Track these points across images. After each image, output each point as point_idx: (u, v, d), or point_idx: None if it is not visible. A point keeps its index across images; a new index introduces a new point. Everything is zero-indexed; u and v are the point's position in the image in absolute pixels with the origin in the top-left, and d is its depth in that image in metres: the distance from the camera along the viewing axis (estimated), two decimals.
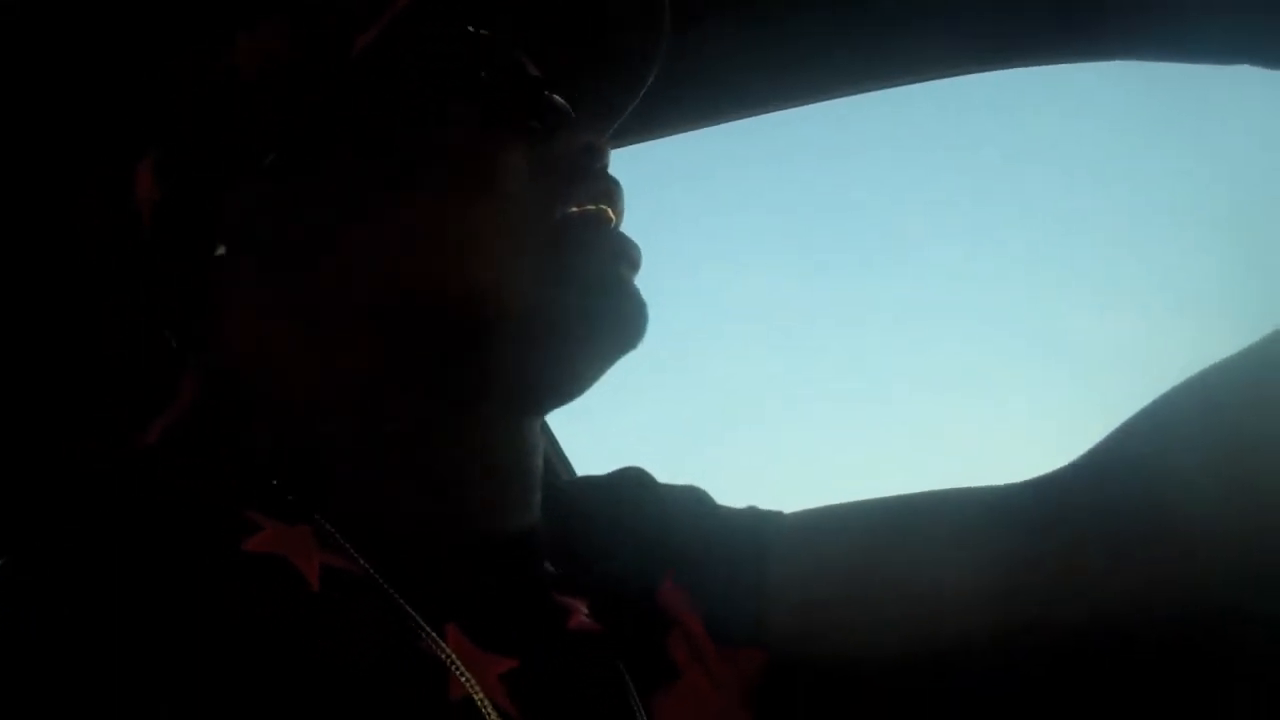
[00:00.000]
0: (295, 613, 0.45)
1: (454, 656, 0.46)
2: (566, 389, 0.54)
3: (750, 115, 0.93)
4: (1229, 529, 0.55)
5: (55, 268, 0.55)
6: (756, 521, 0.64)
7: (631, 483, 0.65)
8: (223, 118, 0.51)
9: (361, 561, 0.48)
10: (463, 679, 0.46)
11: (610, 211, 0.54)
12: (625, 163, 0.59)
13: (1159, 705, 0.68)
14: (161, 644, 0.40)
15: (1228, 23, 0.75)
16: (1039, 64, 0.85)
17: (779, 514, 0.65)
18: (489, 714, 0.46)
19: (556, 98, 0.54)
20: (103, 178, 0.52)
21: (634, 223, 0.56)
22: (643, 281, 0.54)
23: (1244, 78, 0.76)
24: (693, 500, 0.65)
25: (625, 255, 0.54)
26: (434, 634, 0.47)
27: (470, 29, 0.52)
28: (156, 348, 0.52)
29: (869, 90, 0.89)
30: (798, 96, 0.91)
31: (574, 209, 0.52)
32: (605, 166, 0.54)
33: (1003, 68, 0.86)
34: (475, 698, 0.46)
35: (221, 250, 0.51)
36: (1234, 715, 0.64)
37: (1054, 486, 0.61)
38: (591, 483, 0.66)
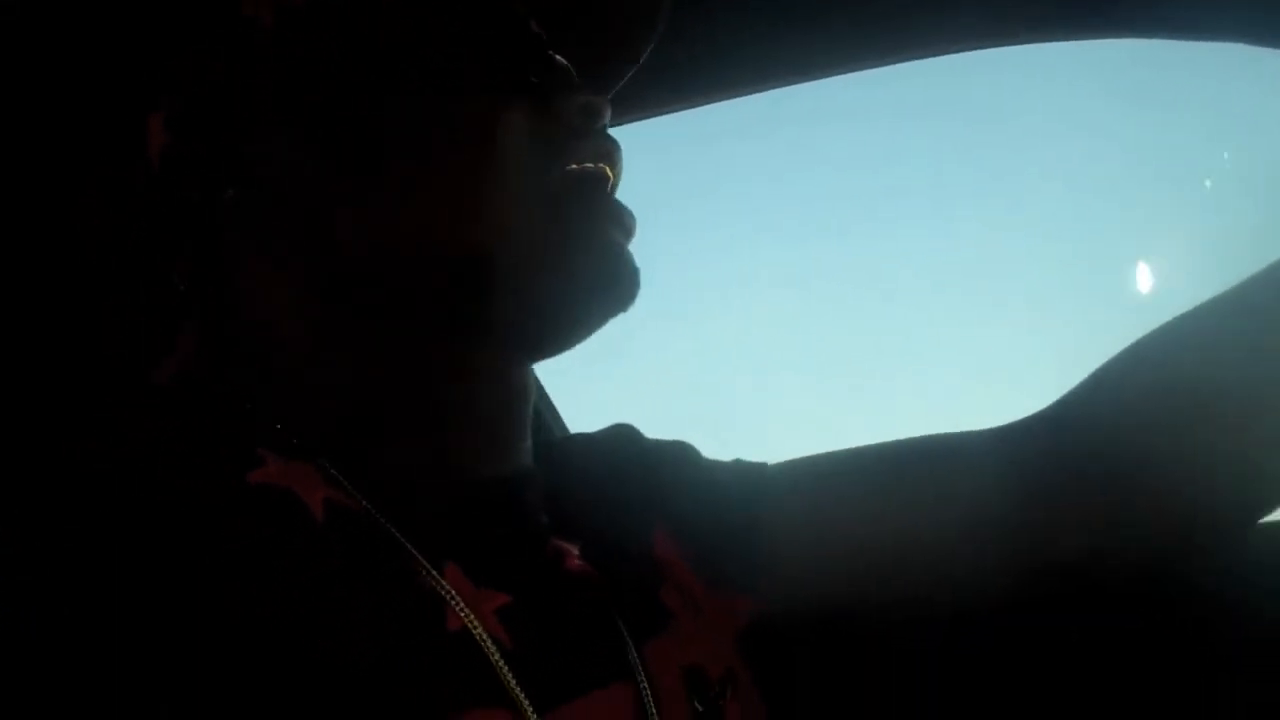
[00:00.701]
0: (299, 543, 0.46)
1: (452, 591, 0.48)
2: (557, 342, 0.56)
3: (756, 91, 0.94)
4: (1193, 471, 0.58)
5: (65, 212, 0.56)
6: (744, 472, 0.66)
7: (622, 438, 0.67)
8: (236, 68, 0.52)
9: (362, 500, 0.49)
10: (460, 612, 0.47)
11: (609, 171, 0.55)
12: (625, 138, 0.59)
13: (1137, 654, 0.69)
14: (165, 569, 0.42)
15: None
16: (1043, 40, 0.86)
17: (764, 465, 0.66)
18: (486, 645, 0.47)
19: (558, 57, 0.55)
20: (115, 125, 0.53)
21: (633, 197, 0.57)
22: (637, 248, 0.56)
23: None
24: (681, 454, 0.67)
25: (620, 222, 0.55)
26: (432, 570, 0.48)
27: None
28: (162, 292, 0.53)
29: (867, 67, 0.89)
30: (801, 73, 0.91)
31: (573, 166, 0.53)
32: (605, 126, 0.55)
33: (1007, 44, 0.87)
34: (473, 630, 0.47)
35: (230, 198, 0.51)
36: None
37: (1038, 430, 0.63)
38: (583, 439, 0.67)
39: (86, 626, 0.39)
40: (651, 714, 0.51)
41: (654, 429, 0.68)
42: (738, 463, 0.67)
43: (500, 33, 0.53)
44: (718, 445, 0.69)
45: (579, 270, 0.53)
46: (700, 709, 0.54)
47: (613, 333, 0.56)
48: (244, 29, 0.52)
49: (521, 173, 0.52)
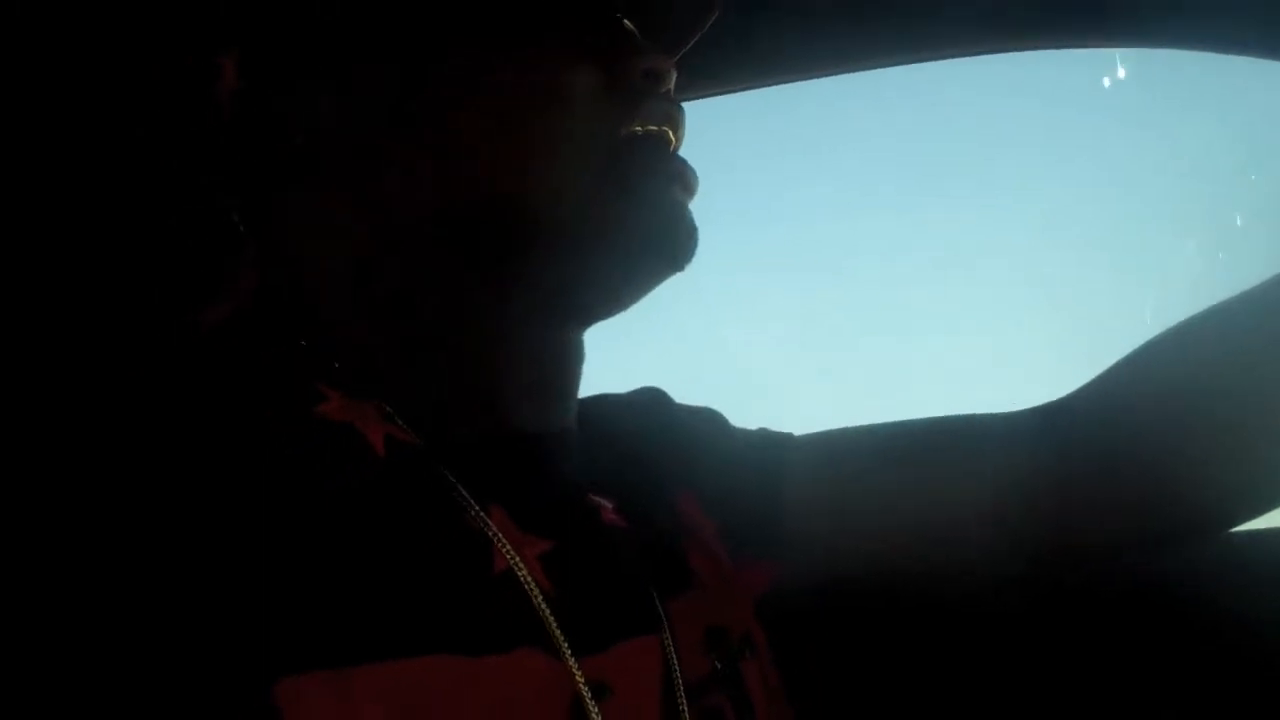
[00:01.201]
0: (364, 476, 0.48)
1: (498, 533, 0.49)
2: (612, 300, 0.56)
3: (811, 77, 0.95)
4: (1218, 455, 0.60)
5: (132, 151, 0.57)
6: (770, 441, 0.67)
7: (650, 401, 0.68)
8: (308, 16, 0.52)
9: (418, 439, 0.50)
10: (506, 553, 0.49)
11: (671, 134, 0.55)
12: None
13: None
14: (234, 499, 0.43)
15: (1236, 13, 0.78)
16: (1054, 47, 0.87)
17: (791, 435, 0.68)
18: (530, 587, 0.48)
19: (626, 22, 0.56)
20: (186, 65, 0.53)
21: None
22: (696, 208, 0.56)
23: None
24: (709, 420, 0.68)
25: (682, 178, 0.55)
26: (480, 511, 0.49)
27: None
28: (223, 231, 0.54)
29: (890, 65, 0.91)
30: (833, 66, 0.93)
31: (637, 128, 0.54)
32: (669, 90, 0.56)
33: (1016, 49, 0.89)
34: (518, 572, 0.48)
35: (298, 144, 0.52)
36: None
37: (1062, 413, 0.64)
38: (610, 399, 0.67)
39: (162, 552, 0.41)
40: (674, 667, 0.53)
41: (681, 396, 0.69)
42: (764, 432, 0.68)
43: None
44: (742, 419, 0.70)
45: (635, 226, 0.53)
46: (719, 666, 0.55)
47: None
48: None
49: (585, 130, 0.52)
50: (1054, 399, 0.66)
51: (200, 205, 0.55)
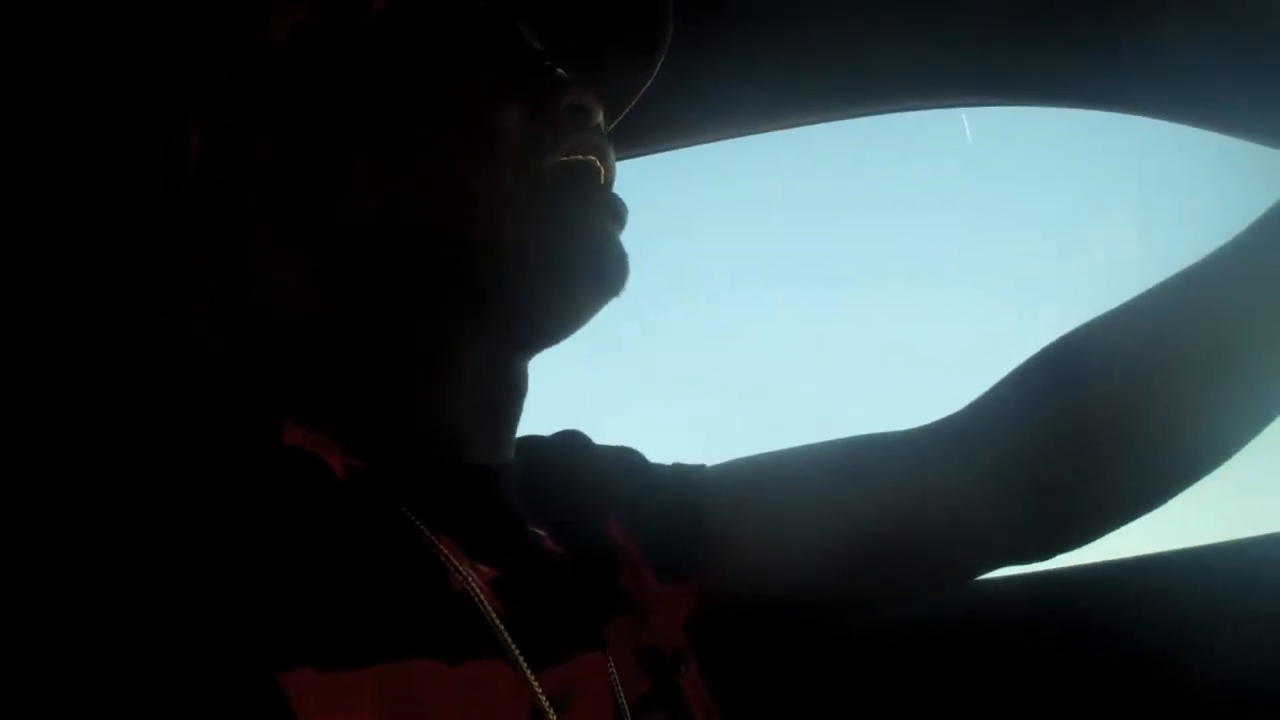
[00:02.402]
0: (328, 500, 0.51)
1: (450, 558, 0.52)
2: (552, 328, 0.58)
3: (753, 132, 0.98)
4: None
5: (92, 205, 0.59)
6: (686, 473, 0.70)
7: (571, 440, 0.71)
8: (259, 80, 0.56)
9: (370, 470, 0.53)
10: (460, 576, 0.51)
11: (599, 164, 0.58)
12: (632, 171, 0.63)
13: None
14: (209, 522, 0.46)
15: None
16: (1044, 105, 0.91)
17: (704, 466, 0.71)
18: (484, 605, 0.51)
19: (559, 70, 0.59)
20: (152, 134, 0.56)
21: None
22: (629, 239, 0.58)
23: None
24: (627, 456, 0.71)
25: (611, 209, 0.58)
26: (432, 537, 0.52)
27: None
28: (177, 270, 0.57)
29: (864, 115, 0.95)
30: (799, 116, 0.97)
31: (563, 158, 0.56)
32: (597, 125, 0.59)
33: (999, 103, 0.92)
34: (472, 593, 0.51)
35: (253, 192, 0.55)
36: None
37: (967, 423, 0.68)
38: (534, 439, 0.70)
39: (129, 580, 0.42)
40: (616, 684, 0.55)
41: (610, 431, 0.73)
42: (678, 465, 0.72)
43: (500, 44, 0.57)
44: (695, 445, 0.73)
45: (566, 254, 0.56)
46: (657, 684, 0.58)
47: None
48: (266, 47, 0.56)
49: (513, 162, 0.55)
50: (955, 410, 0.69)
51: (153, 246, 0.57)
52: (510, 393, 0.60)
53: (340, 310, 0.55)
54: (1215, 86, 0.83)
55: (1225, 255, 0.65)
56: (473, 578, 0.51)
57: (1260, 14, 0.78)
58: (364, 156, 0.55)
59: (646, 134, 0.94)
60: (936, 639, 0.79)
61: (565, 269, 0.56)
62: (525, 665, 0.50)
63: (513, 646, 0.50)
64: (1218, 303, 0.63)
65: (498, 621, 0.51)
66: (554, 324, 0.58)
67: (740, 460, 0.71)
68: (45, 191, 0.59)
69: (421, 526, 0.52)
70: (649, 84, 0.66)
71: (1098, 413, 0.64)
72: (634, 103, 0.67)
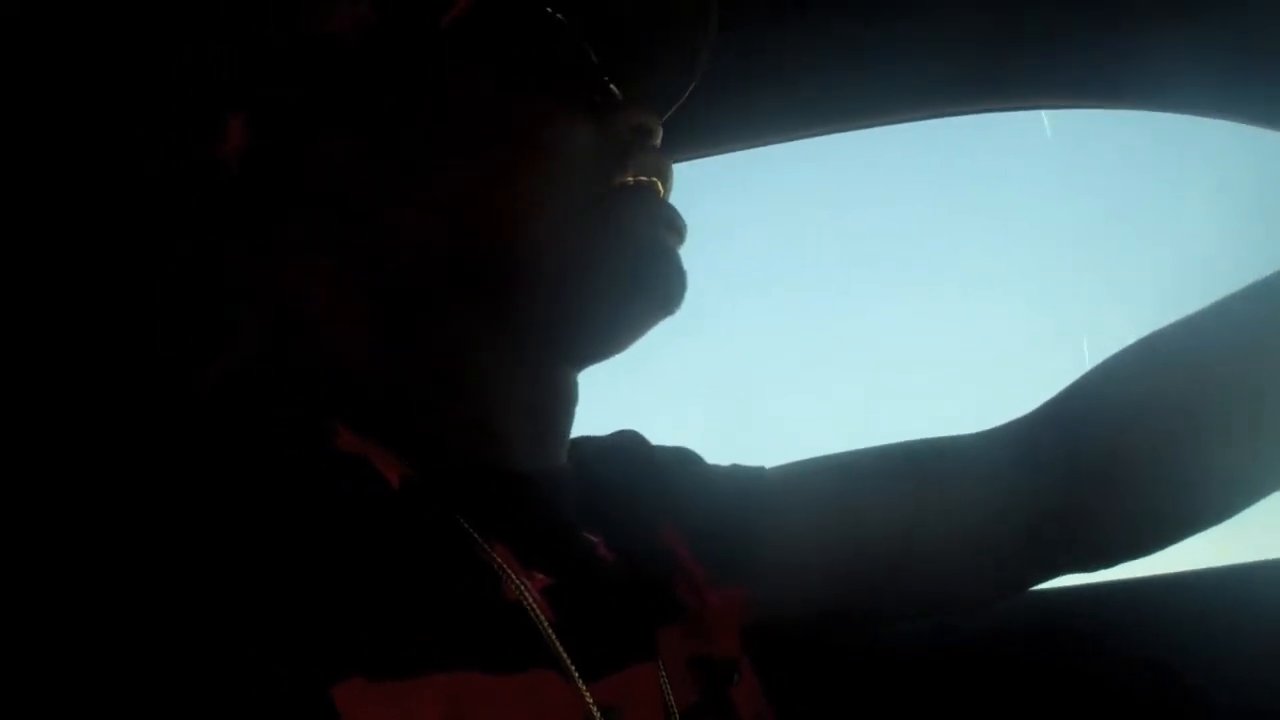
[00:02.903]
0: (382, 507, 0.50)
1: (504, 567, 0.51)
2: (606, 343, 0.59)
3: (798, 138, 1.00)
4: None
5: (135, 209, 0.59)
6: (742, 475, 0.69)
7: (629, 443, 0.70)
8: (316, 77, 0.55)
9: (426, 479, 0.52)
10: (514, 585, 0.51)
11: (660, 184, 0.58)
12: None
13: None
14: (264, 530, 0.45)
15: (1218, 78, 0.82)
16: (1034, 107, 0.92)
17: (763, 468, 0.70)
18: (538, 616, 0.50)
19: (612, 85, 0.58)
20: (194, 127, 0.56)
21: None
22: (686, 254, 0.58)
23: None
24: (683, 458, 0.70)
25: (671, 223, 0.58)
26: (486, 547, 0.51)
27: (548, 11, 0.56)
28: (224, 286, 0.56)
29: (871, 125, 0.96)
30: (813, 127, 0.98)
31: (628, 179, 0.57)
32: (657, 145, 0.59)
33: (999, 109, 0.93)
34: (525, 602, 0.51)
35: (301, 198, 0.55)
36: None
37: (1031, 430, 0.67)
38: (592, 441, 0.69)
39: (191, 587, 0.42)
40: (668, 694, 0.55)
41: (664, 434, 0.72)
42: (736, 467, 0.70)
43: (567, 58, 0.57)
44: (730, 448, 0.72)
45: (624, 266, 0.56)
46: (708, 695, 0.57)
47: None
48: (322, 39, 0.55)
49: (574, 180, 0.55)
50: (1017, 417, 0.68)
51: (196, 258, 0.57)
52: (560, 402, 0.60)
53: (395, 321, 0.55)
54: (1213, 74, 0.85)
55: (1246, 305, 0.64)
56: (526, 587, 0.51)
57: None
58: (424, 166, 0.54)
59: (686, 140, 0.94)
60: (991, 656, 0.80)
61: (623, 282, 0.56)
62: (577, 676, 0.50)
63: (565, 657, 0.50)
64: (1237, 359, 0.62)
65: (550, 631, 0.50)
66: (607, 339, 0.58)
67: (798, 464, 0.70)
68: (75, 180, 0.58)
69: (475, 535, 0.51)
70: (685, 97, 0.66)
71: (1121, 449, 0.64)
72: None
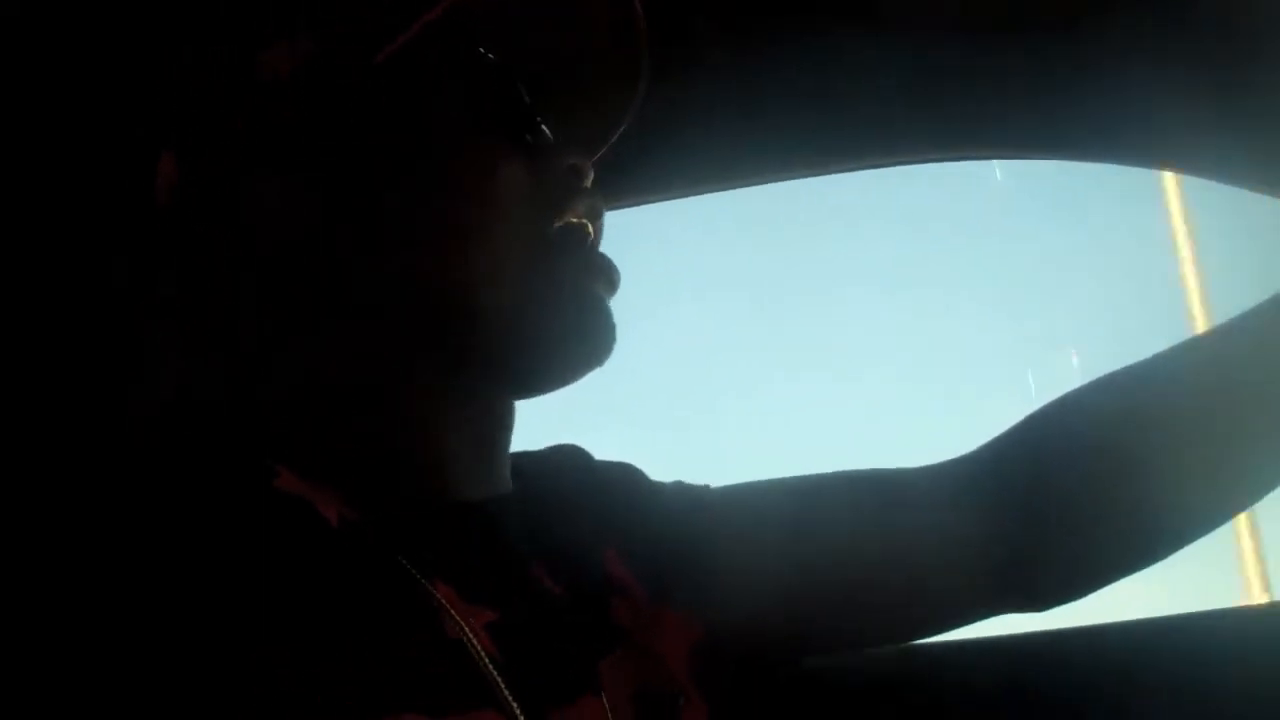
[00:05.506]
0: (320, 547, 0.50)
1: (445, 604, 0.50)
2: (538, 384, 0.59)
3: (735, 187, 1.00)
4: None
5: (71, 246, 0.59)
6: (686, 494, 0.68)
7: (568, 458, 0.69)
8: (247, 115, 0.55)
9: (365, 517, 0.52)
10: (455, 624, 0.50)
11: (589, 226, 0.58)
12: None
13: None
14: (195, 571, 0.45)
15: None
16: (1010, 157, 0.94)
17: (707, 487, 0.69)
18: (479, 653, 0.50)
19: (544, 126, 0.59)
20: (126, 162, 0.56)
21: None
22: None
23: None
24: (626, 475, 0.69)
25: (606, 275, 0.58)
26: (427, 585, 0.51)
27: (481, 52, 0.57)
28: (161, 325, 0.57)
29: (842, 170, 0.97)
30: (775, 172, 0.99)
31: (561, 223, 0.57)
32: (590, 185, 0.59)
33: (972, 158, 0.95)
34: (467, 640, 0.50)
35: (234, 234, 0.54)
36: None
37: (980, 465, 0.67)
38: (530, 457, 0.68)
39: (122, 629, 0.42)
40: None
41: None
42: (679, 484, 0.69)
43: (500, 97, 0.57)
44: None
45: (561, 322, 0.56)
46: None
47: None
48: (258, 79, 0.55)
49: (516, 224, 0.55)
50: (967, 451, 0.68)
51: (133, 291, 0.57)
52: (502, 429, 0.60)
53: (335, 358, 0.55)
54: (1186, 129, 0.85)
55: (1214, 340, 0.65)
56: (468, 624, 0.50)
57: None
58: (362, 205, 0.54)
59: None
60: (942, 685, 0.80)
61: (558, 337, 0.56)
62: (520, 714, 0.49)
63: (508, 695, 0.49)
64: (1200, 384, 0.63)
65: (493, 670, 0.50)
66: (541, 381, 0.59)
67: (744, 485, 0.69)
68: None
69: (416, 574, 0.51)
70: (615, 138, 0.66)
71: (1072, 487, 0.64)
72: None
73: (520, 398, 0.60)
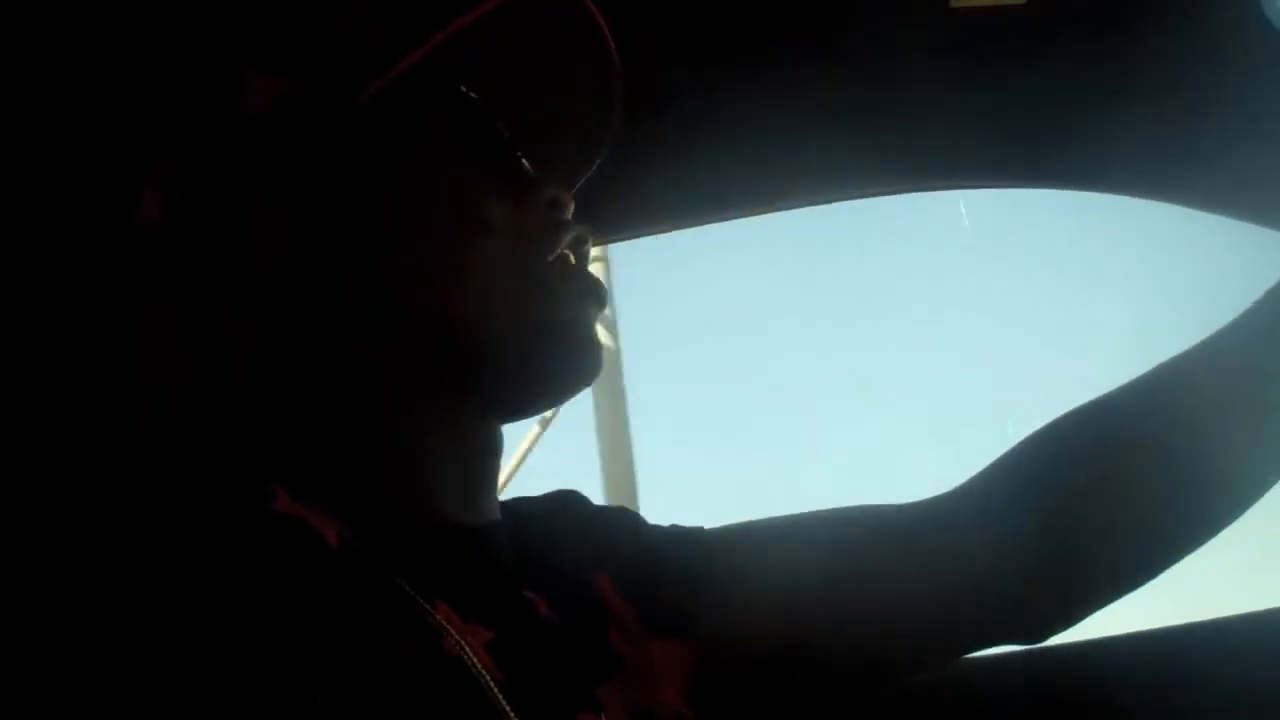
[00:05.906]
0: (320, 567, 0.50)
1: (444, 624, 0.51)
2: (531, 408, 0.61)
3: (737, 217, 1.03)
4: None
5: (58, 275, 0.61)
6: (683, 534, 0.69)
7: (567, 501, 0.70)
8: (231, 149, 0.56)
9: (362, 537, 0.53)
10: (454, 641, 0.50)
11: (575, 254, 0.60)
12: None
13: None
14: (195, 594, 0.45)
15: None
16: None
17: (701, 528, 0.70)
18: (479, 671, 0.50)
19: (525, 161, 0.60)
20: (110, 191, 0.57)
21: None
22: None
23: None
24: (621, 515, 0.70)
25: (594, 295, 0.60)
26: (426, 605, 0.51)
27: (463, 91, 0.58)
28: (158, 350, 0.58)
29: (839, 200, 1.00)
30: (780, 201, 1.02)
31: (551, 256, 0.58)
32: (569, 218, 0.60)
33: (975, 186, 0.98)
34: (466, 657, 0.50)
35: (222, 265, 0.56)
36: None
37: (961, 505, 0.67)
38: (528, 500, 0.70)
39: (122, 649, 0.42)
40: None
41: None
42: (675, 526, 0.70)
43: (478, 134, 0.58)
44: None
45: (551, 352, 0.57)
46: None
47: None
48: (242, 116, 0.56)
49: (502, 256, 0.56)
50: (965, 480, 0.68)
51: (125, 317, 0.58)
52: (488, 454, 0.61)
53: (331, 384, 0.56)
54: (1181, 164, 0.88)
55: (1208, 348, 0.65)
56: (468, 642, 0.51)
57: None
58: (349, 238, 0.56)
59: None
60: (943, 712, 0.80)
61: (550, 367, 0.58)
62: None
63: (509, 712, 0.50)
64: (1198, 394, 0.64)
65: (494, 688, 0.50)
66: (535, 409, 0.61)
67: (740, 524, 0.70)
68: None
69: (414, 594, 0.51)
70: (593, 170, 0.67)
71: (1084, 501, 0.64)
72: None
73: (508, 421, 0.61)
